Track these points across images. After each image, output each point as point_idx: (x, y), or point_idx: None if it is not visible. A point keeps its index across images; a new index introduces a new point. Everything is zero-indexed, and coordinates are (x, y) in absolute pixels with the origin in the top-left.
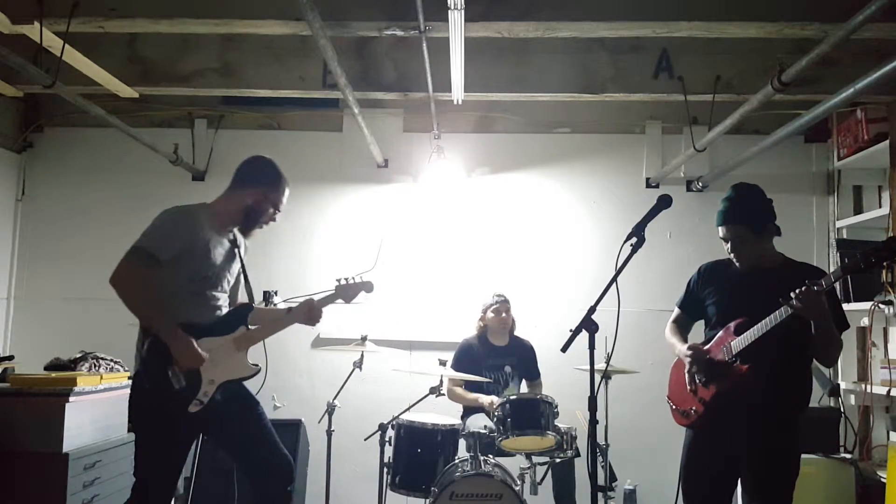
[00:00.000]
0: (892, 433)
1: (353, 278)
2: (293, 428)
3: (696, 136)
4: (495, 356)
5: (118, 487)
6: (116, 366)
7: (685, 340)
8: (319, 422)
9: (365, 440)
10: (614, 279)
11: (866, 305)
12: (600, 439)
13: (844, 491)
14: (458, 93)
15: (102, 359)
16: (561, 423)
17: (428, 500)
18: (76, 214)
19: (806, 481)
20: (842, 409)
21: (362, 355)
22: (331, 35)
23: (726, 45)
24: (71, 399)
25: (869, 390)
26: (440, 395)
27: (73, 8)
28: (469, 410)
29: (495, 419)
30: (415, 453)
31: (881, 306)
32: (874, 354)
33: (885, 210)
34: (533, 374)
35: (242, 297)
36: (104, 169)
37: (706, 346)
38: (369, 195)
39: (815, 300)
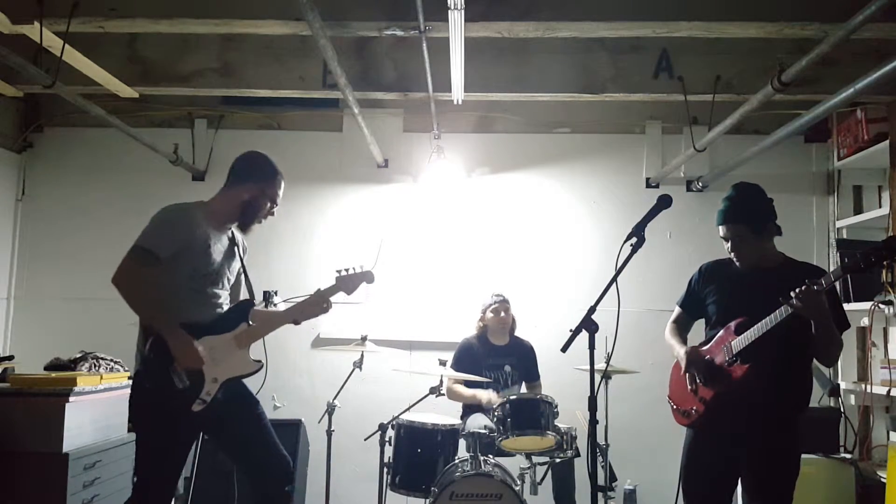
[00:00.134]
0: (892, 433)
1: (354, 269)
2: (293, 428)
3: (696, 136)
4: (495, 356)
5: (118, 487)
6: (116, 366)
7: (685, 341)
8: (319, 422)
9: (365, 440)
10: (614, 279)
11: (866, 305)
12: (600, 439)
13: (844, 491)
14: (458, 93)
15: (102, 359)
16: (561, 423)
17: (428, 500)
18: (76, 214)
19: (806, 481)
20: (842, 409)
21: (362, 355)
22: (331, 35)
23: (726, 45)
24: (71, 399)
25: (869, 390)
26: (440, 395)
27: (73, 8)
28: (469, 410)
29: (495, 419)
30: (415, 453)
31: (881, 306)
32: (874, 354)
33: (885, 210)
34: (532, 376)
35: (244, 296)
36: (104, 169)
37: (706, 346)
38: (369, 195)
39: (816, 300)
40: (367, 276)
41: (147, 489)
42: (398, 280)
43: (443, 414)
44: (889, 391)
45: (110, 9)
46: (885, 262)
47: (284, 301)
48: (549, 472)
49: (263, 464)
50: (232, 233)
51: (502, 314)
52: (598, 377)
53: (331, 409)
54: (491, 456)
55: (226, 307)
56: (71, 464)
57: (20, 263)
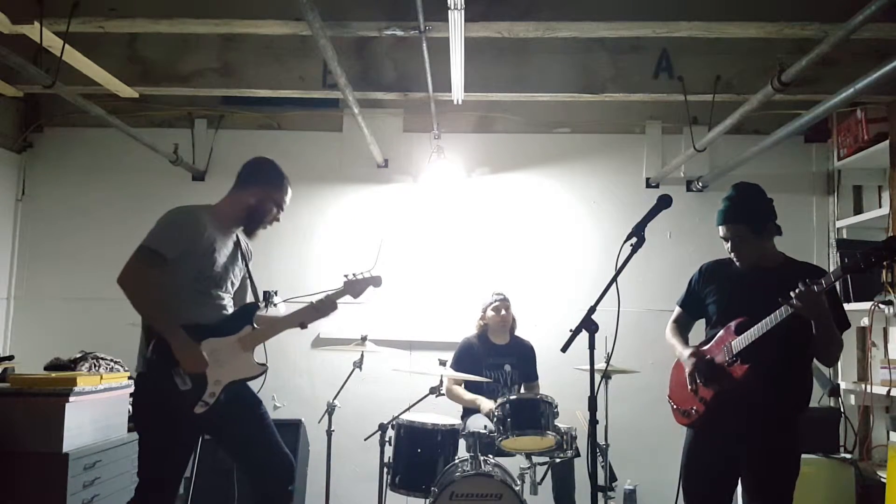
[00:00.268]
0: (892, 433)
1: (362, 274)
2: (293, 428)
3: (696, 136)
4: (496, 355)
5: (118, 487)
6: (116, 366)
7: (686, 341)
8: (319, 422)
9: (365, 440)
10: (614, 279)
11: (866, 305)
12: (600, 439)
13: (844, 491)
14: (458, 93)
15: (102, 359)
16: (561, 423)
17: (428, 500)
18: (76, 214)
19: (806, 481)
20: (842, 409)
21: (362, 355)
22: (331, 35)
23: (726, 45)
24: (71, 399)
25: (869, 390)
26: (440, 395)
27: (73, 8)
28: (469, 410)
29: (495, 419)
30: (415, 453)
31: (881, 306)
32: (874, 354)
33: (885, 210)
34: (531, 376)
35: (249, 300)
36: (104, 169)
37: (706, 346)
38: (369, 195)
39: (816, 300)
40: (375, 281)
41: (149, 490)
42: (398, 280)
43: (443, 414)
44: (889, 391)
45: (110, 9)
46: (885, 262)
47: (284, 301)
48: (549, 472)
49: (265, 463)
50: (237, 236)
51: (503, 312)
52: (598, 377)
53: (331, 409)
54: (491, 456)
55: (230, 310)
56: (71, 464)
57: (20, 263)
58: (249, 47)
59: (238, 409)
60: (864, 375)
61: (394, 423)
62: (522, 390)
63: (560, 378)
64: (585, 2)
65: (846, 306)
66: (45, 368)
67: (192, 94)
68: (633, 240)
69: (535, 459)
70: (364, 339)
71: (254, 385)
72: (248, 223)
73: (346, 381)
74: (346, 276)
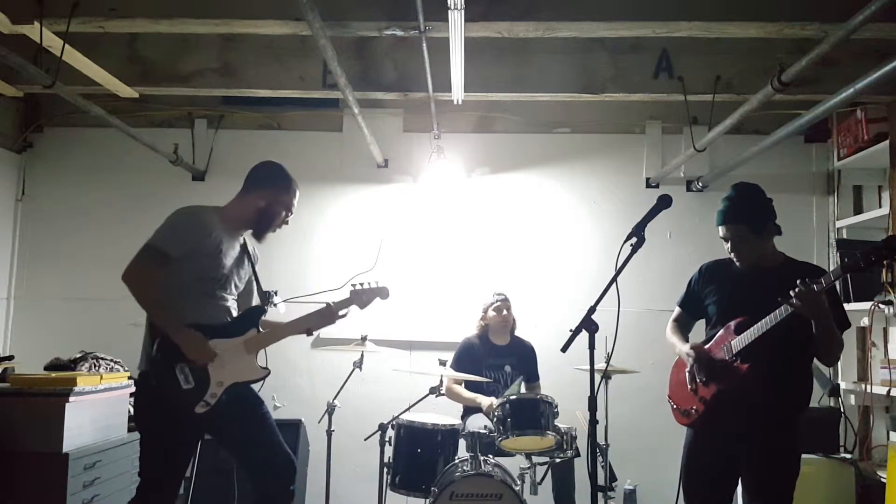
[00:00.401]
0: (892, 433)
1: (369, 283)
2: (293, 428)
3: (696, 136)
4: (496, 355)
5: (118, 487)
6: (116, 366)
7: (686, 340)
8: (319, 422)
9: (365, 440)
10: (614, 279)
11: (866, 305)
12: (600, 439)
13: (844, 491)
14: (458, 93)
15: (102, 359)
16: (561, 423)
17: (428, 500)
18: (76, 214)
19: (806, 481)
20: (842, 409)
21: (362, 355)
22: (331, 35)
23: (726, 45)
24: (71, 399)
25: (869, 390)
26: (440, 395)
27: (73, 8)
28: (469, 410)
29: (495, 419)
30: (415, 453)
31: (881, 306)
32: (874, 354)
33: (885, 210)
34: (532, 377)
35: (255, 303)
36: (104, 169)
37: (706, 346)
38: (369, 195)
39: (815, 299)
40: (382, 293)
41: (150, 489)
42: (398, 280)
43: (443, 414)
44: (889, 391)
45: (110, 9)
46: (884, 262)
47: (284, 301)
48: (549, 472)
49: (266, 463)
50: (244, 240)
51: (504, 313)
52: (598, 377)
53: (331, 409)
54: (491, 456)
55: (234, 312)
56: (71, 464)
57: (20, 263)
58: (249, 47)
59: (240, 409)
60: (864, 375)
61: (394, 423)
62: (523, 390)
63: (560, 378)
64: (585, 2)
65: (846, 306)
66: (45, 368)
67: (192, 94)
68: (633, 240)
69: (535, 459)
70: (364, 339)
71: (254, 385)
72: (258, 226)
73: (346, 381)
74: (353, 285)
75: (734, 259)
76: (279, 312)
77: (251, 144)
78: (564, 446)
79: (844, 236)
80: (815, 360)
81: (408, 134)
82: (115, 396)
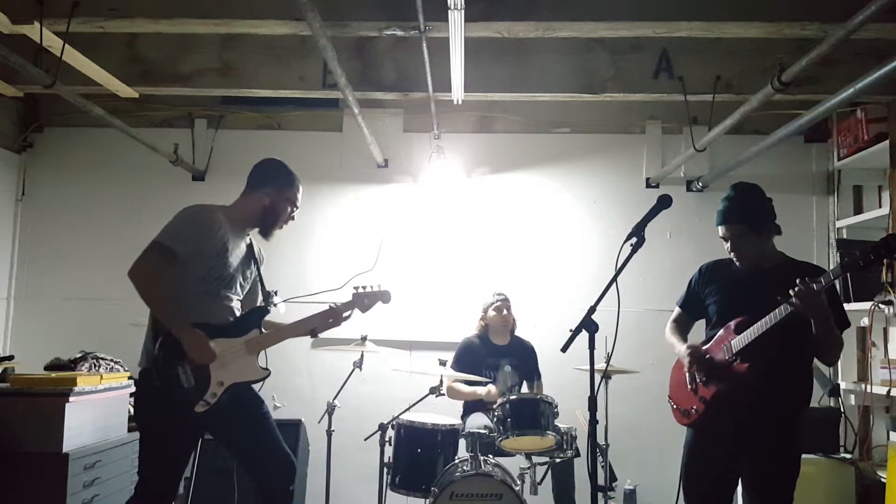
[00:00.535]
0: (892, 433)
1: (371, 287)
2: (293, 428)
3: (696, 136)
4: (496, 355)
5: (118, 487)
6: (116, 366)
7: (685, 340)
8: (319, 422)
9: (365, 440)
10: (614, 279)
11: (866, 305)
12: (600, 439)
13: (844, 491)
14: (458, 93)
15: (102, 359)
16: (561, 423)
17: (428, 500)
18: (76, 214)
19: (806, 481)
20: (842, 409)
21: (362, 355)
22: (331, 35)
23: (726, 45)
24: (71, 399)
25: (869, 390)
26: (440, 395)
27: (73, 8)
28: (469, 409)
29: (495, 419)
30: (415, 453)
31: (881, 306)
32: (874, 354)
33: (885, 210)
34: (533, 376)
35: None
36: (104, 169)
37: (706, 346)
38: (369, 195)
39: (815, 299)
40: (384, 297)
41: (149, 488)
42: (398, 280)
43: (443, 414)
44: (889, 391)
45: (110, 9)
46: (884, 261)
47: (284, 301)
48: (549, 472)
49: (267, 463)
50: (250, 240)
51: (504, 312)
52: (598, 377)
53: (331, 409)
54: (491, 456)
55: (238, 312)
56: (71, 464)
57: (20, 263)
58: (249, 47)
59: (240, 409)
60: (864, 375)
61: (394, 423)
62: (524, 389)
63: (560, 378)
64: (585, 2)
65: (846, 306)
66: (45, 368)
67: (192, 94)
68: (633, 240)
69: (535, 459)
70: (364, 339)
71: (254, 385)
72: (264, 224)
73: (346, 381)
74: (355, 288)
75: (734, 259)
76: (279, 312)
77: (251, 144)
78: (564, 446)
79: (844, 236)
80: (815, 360)
81: (408, 134)
82: (115, 396)
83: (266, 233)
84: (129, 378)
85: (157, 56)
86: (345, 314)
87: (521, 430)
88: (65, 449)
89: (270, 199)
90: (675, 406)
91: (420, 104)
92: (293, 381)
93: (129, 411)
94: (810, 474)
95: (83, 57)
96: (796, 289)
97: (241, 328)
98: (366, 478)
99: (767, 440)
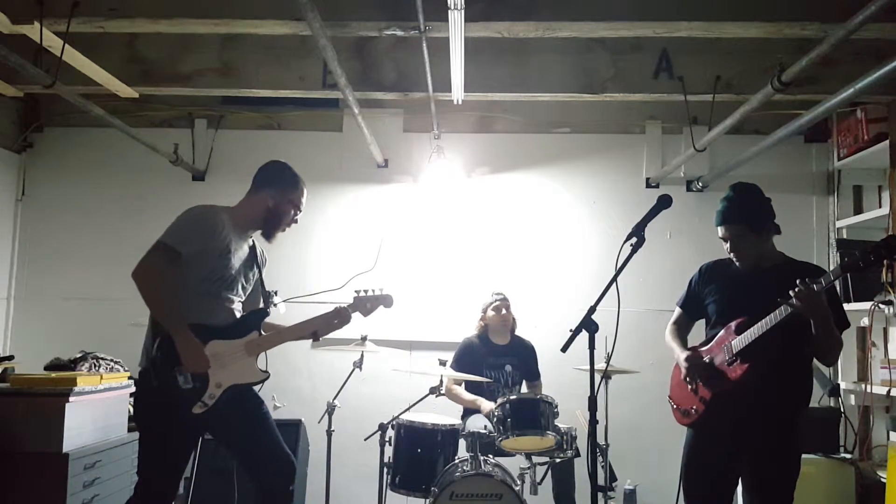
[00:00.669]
0: (892, 433)
1: (373, 291)
2: (293, 428)
3: (696, 136)
4: (496, 355)
5: (118, 487)
6: (116, 366)
7: (685, 343)
8: (319, 422)
9: (365, 440)
10: (614, 279)
11: (866, 305)
12: (600, 439)
13: (844, 491)
14: (458, 93)
15: (102, 359)
16: (561, 423)
17: (428, 500)
18: (76, 214)
19: (806, 481)
20: (842, 409)
21: (362, 355)
22: (331, 35)
23: (726, 45)
24: (71, 399)
25: (869, 390)
26: (440, 395)
27: (73, 8)
28: (469, 410)
29: (495, 419)
30: (415, 453)
31: (881, 306)
32: (874, 354)
33: (885, 210)
34: (533, 375)
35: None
36: (104, 169)
37: (706, 346)
38: (369, 195)
39: (815, 299)
40: (386, 301)
41: (148, 488)
42: (398, 280)
43: (443, 414)
44: (889, 391)
45: (110, 9)
46: (884, 262)
47: (284, 301)
48: (549, 472)
49: (266, 463)
50: (253, 241)
51: (503, 312)
52: (598, 377)
53: (331, 409)
54: (491, 456)
55: (238, 314)
56: (71, 464)
57: (20, 263)
58: (249, 47)
59: (240, 409)
60: (864, 375)
61: (394, 423)
62: (524, 389)
63: (560, 378)
64: (585, 2)
65: (846, 306)
66: (45, 368)
67: (192, 94)
68: (633, 240)
69: (535, 459)
70: (364, 339)
71: (254, 385)
72: (267, 225)
73: (346, 381)
74: (356, 291)
75: (734, 259)
76: (279, 312)
77: (251, 144)
78: (564, 446)
79: (844, 236)
80: (815, 360)
81: (408, 134)
82: (115, 396)
83: (268, 235)
84: (129, 378)
85: (157, 56)
86: (346, 317)
87: (521, 430)
88: (65, 449)
89: (274, 200)
90: (675, 406)
91: (420, 104)
92: (293, 381)
93: (129, 411)
94: (810, 474)
95: (83, 57)
96: (796, 289)
97: (241, 330)
98: (366, 478)
99: (767, 440)
